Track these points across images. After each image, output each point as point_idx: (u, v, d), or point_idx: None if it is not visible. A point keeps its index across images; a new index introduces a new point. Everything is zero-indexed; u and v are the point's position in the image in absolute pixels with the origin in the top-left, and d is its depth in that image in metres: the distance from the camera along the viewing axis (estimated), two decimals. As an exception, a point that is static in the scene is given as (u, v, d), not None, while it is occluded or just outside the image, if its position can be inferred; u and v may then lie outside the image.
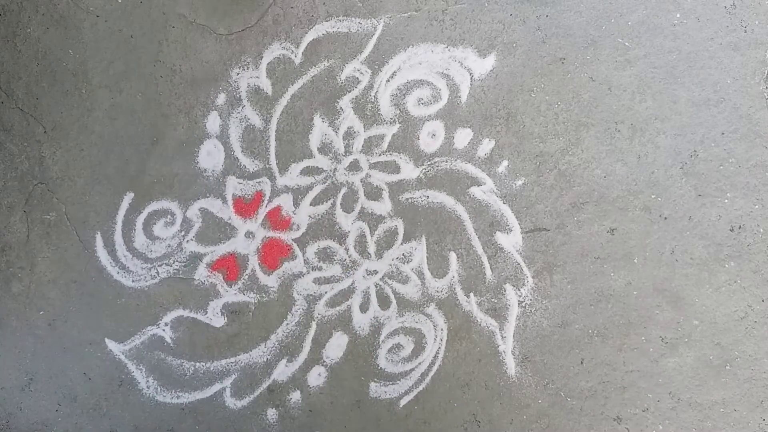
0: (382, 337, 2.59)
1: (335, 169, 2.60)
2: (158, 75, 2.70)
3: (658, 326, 2.35)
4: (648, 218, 2.35)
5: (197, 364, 2.73)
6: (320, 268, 2.63)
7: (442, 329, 2.54)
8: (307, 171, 2.62)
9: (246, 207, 2.67)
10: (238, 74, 2.64)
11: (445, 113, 2.50)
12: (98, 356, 2.80)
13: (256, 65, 2.62)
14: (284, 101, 2.61)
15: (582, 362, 2.43)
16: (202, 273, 2.70)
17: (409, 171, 2.54)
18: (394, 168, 2.56)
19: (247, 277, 2.68)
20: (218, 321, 2.70)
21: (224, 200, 2.68)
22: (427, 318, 2.55)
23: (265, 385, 2.69)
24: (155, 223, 2.72)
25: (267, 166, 2.64)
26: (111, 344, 2.78)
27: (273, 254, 2.66)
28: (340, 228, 2.61)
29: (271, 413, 2.69)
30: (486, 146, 2.47)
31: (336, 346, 2.63)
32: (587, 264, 2.40)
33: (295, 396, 2.66)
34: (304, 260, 2.64)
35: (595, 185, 2.38)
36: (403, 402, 2.59)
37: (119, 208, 2.74)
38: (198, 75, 2.67)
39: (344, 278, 2.62)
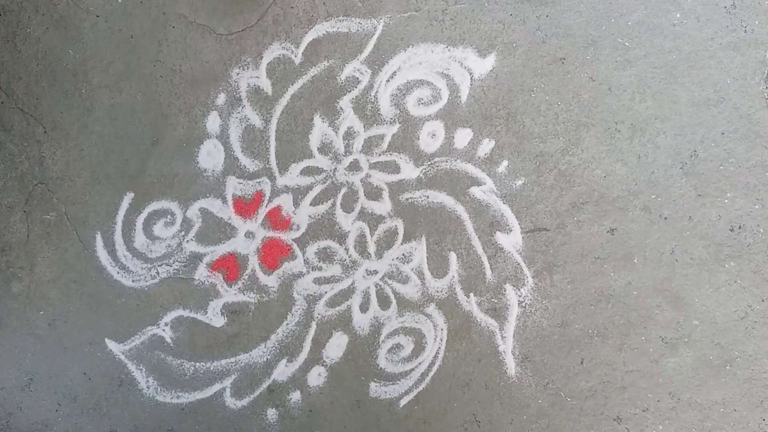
0: (382, 337, 2.59)
1: (335, 169, 2.60)
2: (158, 75, 2.70)
3: (658, 326, 2.35)
4: (648, 218, 2.35)
5: (197, 364, 2.73)
6: (320, 268, 2.63)
7: (442, 329, 2.54)
8: (307, 171, 2.62)
9: (246, 207, 2.67)
10: (238, 74, 2.64)
11: (445, 113, 2.50)
12: (98, 356, 2.80)
13: (256, 65, 2.62)
14: (284, 101, 2.61)
15: (582, 362, 2.43)
16: (202, 273, 2.70)
17: (409, 171, 2.54)
18: (394, 168, 2.56)
19: (247, 277, 2.68)
20: (218, 321, 2.70)
21: (224, 200, 2.68)
22: (427, 318, 2.56)
23: (265, 385, 2.69)
24: (155, 223, 2.72)
25: (267, 166, 2.64)
26: (111, 344, 2.78)
27: (273, 254, 2.66)
28: (340, 228, 2.61)
29: (271, 413, 2.69)
30: (486, 146, 2.47)
31: (336, 346, 2.63)
32: (587, 264, 2.40)
33: (295, 396, 2.67)
34: (304, 260, 2.64)
35: (595, 185, 2.38)
36: (403, 402, 2.59)
37: (119, 208, 2.74)
38: (198, 75, 2.67)
39: (344, 278, 2.62)
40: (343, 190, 2.60)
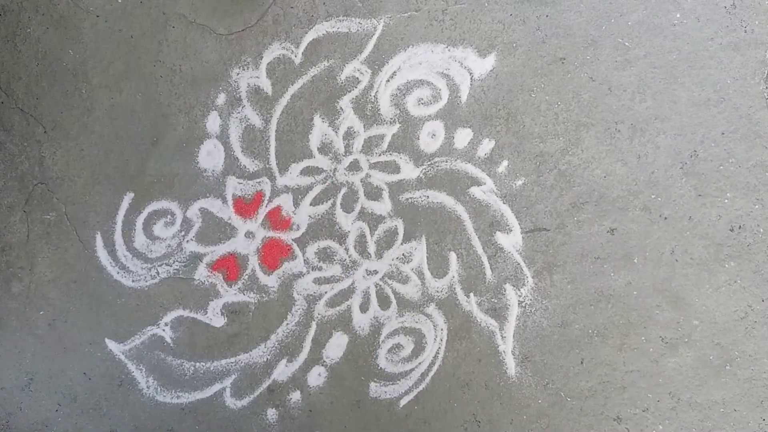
0: (382, 337, 2.59)
1: (335, 169, 2.60)
2: (158, 75, 2.70)
3: (658, 326, 2.35)
4: (648, 218, 2.35)
5: (197, 364, 2.73)
6: (320, 268, 2.63)
7: (442, 329, 2.54)
8: (307, 171, 2.62)
9: (246, 207, 2.67)
10: (238, 74, 2.64)
11: (445, 113, 2.50)
12: (98, 356, 2.80)
13: (256, 65, 2.62)
14: (284, 101, 2.61)
15: (582, 362, 2.43)
16: (202, 273, 2.70)
17: (409, 171, 2.54)
18: (394, 168, 2.56)
19: (247, 277, 2.68)
20: (218, 321, 2.70)
21: (224, 200, 2.68)
22: (427, 318, 2.55)
23: (265, 385, 2.69)
24: (155, 223, 2.72)
25: (267, 166, 2.64)
26: (111, 344, 2.78)
27: (273, 254, 2.66)
28: (340, 228, 2.61)
29: (271, 413, 2.69)
30: (486, 146, 2.47)
31: (336, 346, 2.63)
32: (587, 264, 2.40)
33: (295, 396, 2.67)
34: (304, 260, 2.64)
35: (595, 185, 2.38)
36: (403, 402, 2.59)
37: (119, 208, 2.74)
38: (198, 75, 2.67)
39: (344, 278, 2.62)
40: (343, 190, 2.60)
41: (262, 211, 2.66)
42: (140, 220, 2.73)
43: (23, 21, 2.79)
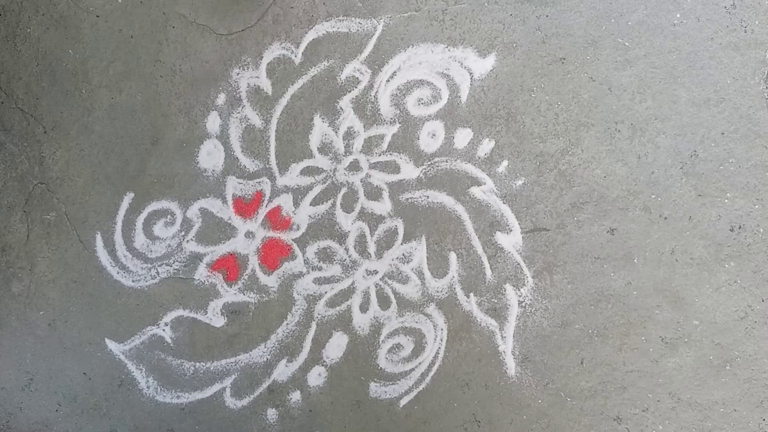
0: (382, 337, 2.59)
1: (335, 169, 2.60)
2: (158, 75, 2.70)
3: (658, 326, 2.35)
4: (648, 218, 2.35)
5: (197, 364, 2.73)
6: (320, 268, 2.63)
7: (442, 329, 2.54)
8: (307, 171, 2.62)
9: (246, 207, 2.67)
10: (238, 74, 2.64)
11: (445, 113, 2.50)
12: (98, 356, 2.80)
13: (256, 65, 2.62)
14: (284, 101, 2.61)
15: (582, 362, 2.43)
16: (202, 273, 2.70)
17: (409, 171, 2.54)
18: (394, 168, 2.56)
19: (247, 277, 2.68)
20: (218, 321, 2.70)
21: (224, 200, 2.68)
22: (427, 318, 2.55)
23: (265, 385, 2.69)
24: (155, 223, 2.72)
25: (267, 166, 2.64)
26: (111, 344, 2.78)
27: (273, 254, 2.66)
28: (340, 228, 2.61)
29: (271, 413, 2.69)
30: (486, 146, 2.47)
31: (336, 346, 2.63)
32: (587, 264, 2.40)
33: (295, 396, 2.67)
34: (304, 260, 2.64)
35: (595, 185, 2.38)
36: (403, 402, 2.59)
37: (119, 208, 2.74)
38: (198, 75, 2.67)
39: (344, 278, 2.62)
40: (343, 190, 2.60)
41: (262, 211, 2.66)
42: (140, 220, 2.73)
43: (23, 21, 2.79)
